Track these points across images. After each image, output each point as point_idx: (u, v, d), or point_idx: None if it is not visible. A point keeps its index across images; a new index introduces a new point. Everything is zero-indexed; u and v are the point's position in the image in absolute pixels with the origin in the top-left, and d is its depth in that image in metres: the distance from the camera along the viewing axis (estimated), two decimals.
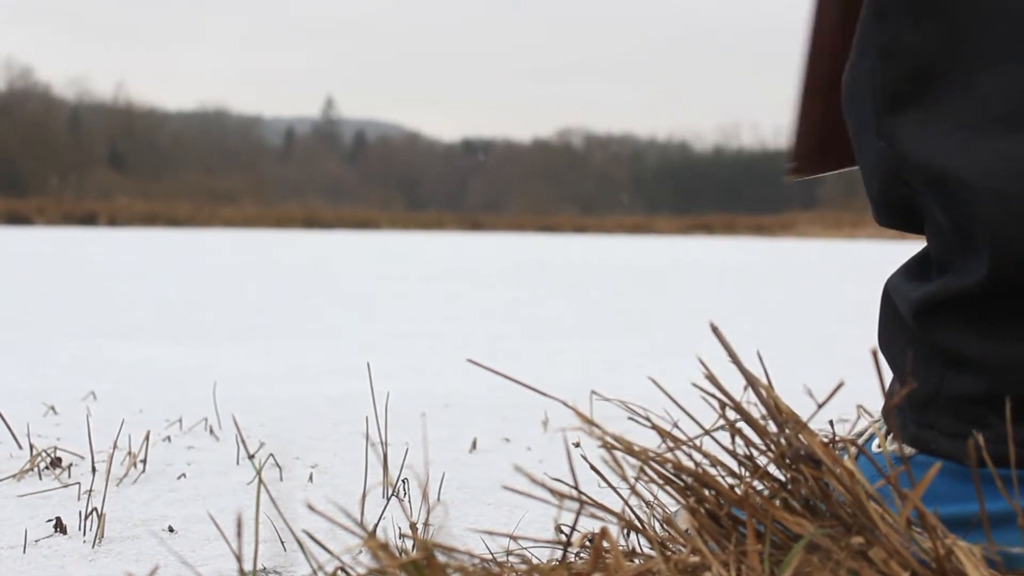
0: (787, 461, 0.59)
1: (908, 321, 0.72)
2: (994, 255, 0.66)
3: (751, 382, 0.59)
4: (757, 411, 0.66)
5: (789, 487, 0.59)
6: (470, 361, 0.63)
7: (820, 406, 0.62)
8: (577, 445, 1.20)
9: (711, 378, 0.60)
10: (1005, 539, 0.64)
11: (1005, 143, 0.65)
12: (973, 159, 0.66)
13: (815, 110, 0.79)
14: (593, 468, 0.71)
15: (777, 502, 0.59)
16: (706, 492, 0.61)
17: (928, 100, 0.68)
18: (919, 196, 0.71)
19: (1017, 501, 0.65)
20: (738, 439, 0.62)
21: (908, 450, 0.72)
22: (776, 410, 0.59)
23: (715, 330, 0.58)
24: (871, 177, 0.75)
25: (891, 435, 0.75)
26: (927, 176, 0.68)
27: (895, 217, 0.75)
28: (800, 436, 0.58)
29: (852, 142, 0.77)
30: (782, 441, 0.59)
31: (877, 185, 0.74)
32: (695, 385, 0.62)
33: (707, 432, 0.66)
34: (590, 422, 0.60)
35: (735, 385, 0.67)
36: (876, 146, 0.72)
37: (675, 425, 0.72)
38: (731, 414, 0.64)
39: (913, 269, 0.73)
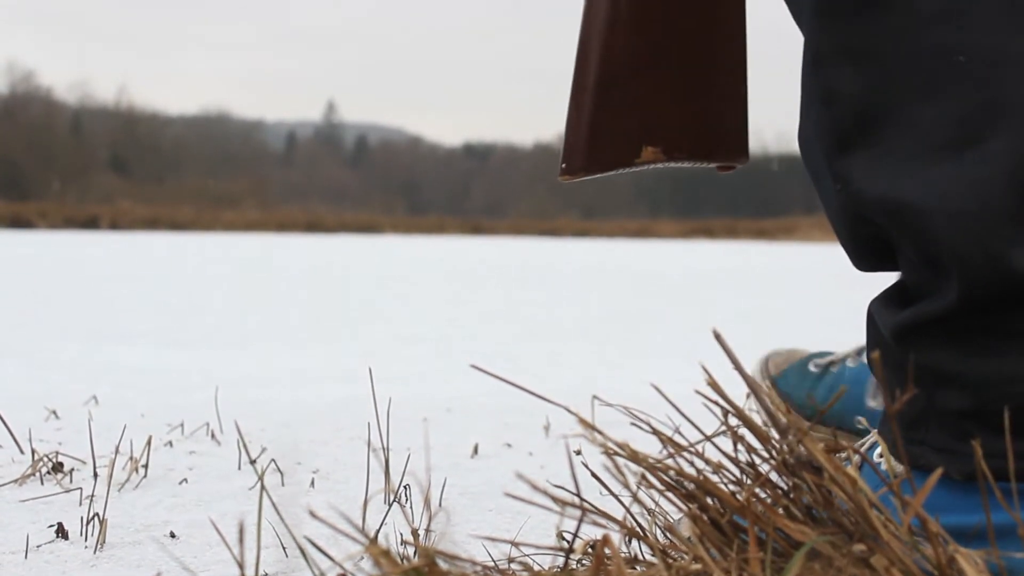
0: (789, 468, 0.59)
1: (891, 343, 0.74)
2: (961, 276, 0.68)
3: (753, 388, 0.59)
4: (760, 418, 0.66)
5: (791, 494, 0.59)
6: (473, 367, 0.63)
7: (822, 412, 0.62)
8: (578, 452, 1.20)
9: (713, 384, 0.60)
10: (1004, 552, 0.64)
11: (952, 165, 0.68)
12: (924, 186, 0.68)
13: (584, 112, 0.76)
14: (594, 476, 0.71)
15: (780, 510, 0.59)
16: (708, 499, 0.61)
17: (874, 139, 0.71)
18: (884, 233, 0.72)
19: (1017, 512, 0.65)
20: (740, 445, 0.62)
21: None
22: (778, 417, 0.59)
23: (717, 336, 0.58)
24: (836, 222, 0.76)
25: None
26: (884, 209, 0.70)
27: (869, 258, 0.76)
28: (802, 443, 0.58)
29: (816, 191, 0.77)
30: (784, 448, 0.59)
31: (844, 230, 0.75)
32: (698, 392, 0.62)
33: (708, 438, 0.66)
34: (592, 428, 0.60)
35: (738, 391, 0.67)
36: (833, 190, 0.73)
37: (677, 431, 0.72)
38: (733, 420, 0.64)
39: (892, 296, 0.75)
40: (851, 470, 0.57)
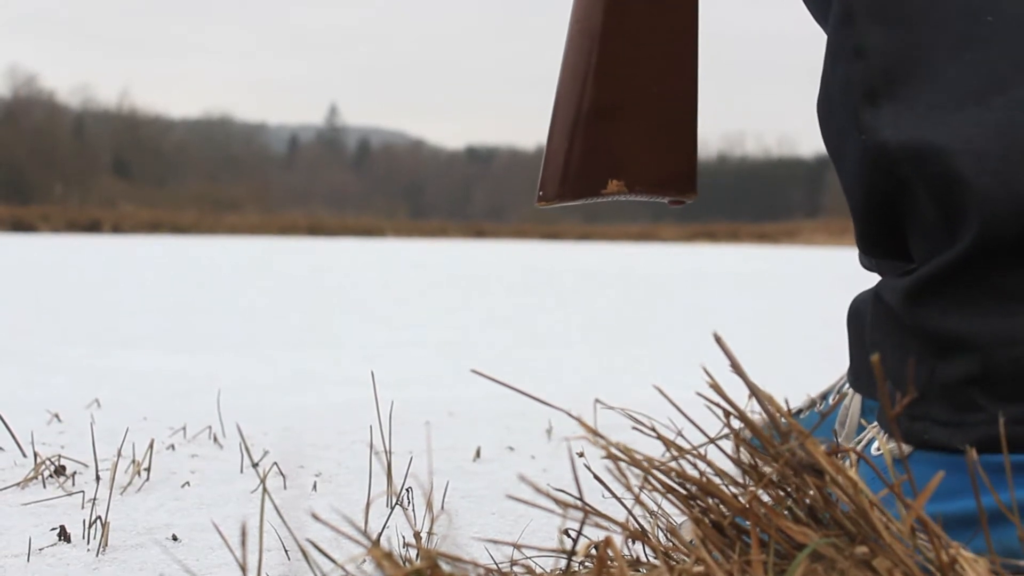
0: (791, 470, 0.59)
1: (898, 311, 0.73)
2: (982, 217, 0.68)
3: (754, 391, 0.59)
4: (762, 421, 0.66)
5: (793, 496, 0.59)
6: (474, 371, 0.63)
7: (824, 416, 0.62)
8: (581, 455, 1.20)
9: (716, 387, 0.60)
10: (1006, 536, 0.64)
11: (978, 110, 0.69)
12: (950, 130, 0.69)
13: (558, 151, 0.88)
14: (596, 478, 0.71)
15: (786, 512, 0.59)
16: (710, 501, 0.61)
17: (901, 92, 0.72)
18: (902, 191, 0.73)
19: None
20: (742, 448, 0.62)
21: (907, 448, 0.72)
22: (779, 420, 0.59)
23: (718, 340, 0.58)
24: (854, 185, 0.77)
25: (889, 437, 0.75)
26: (907, 155, 0.71)
27: (879, 229, 0.77)
28: (804, 446, 0.58)
29: (833, 161, 0.81)
30: (785, 452, 0.59)
31: (860, 189, 0.76)
32: (699, 395, 0.62)
33: (712, 440, 0.66)
34: (594, 432, 0.60)
35: (740, 394, 0.68)
36: (858, 144, 0.74)
37: (679, 434, 0.72)
38: (735, 423, 0.64)
39: (895, 277, 0.76)
40: (852, 472, 0.57)
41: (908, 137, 0.71)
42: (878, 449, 0.76)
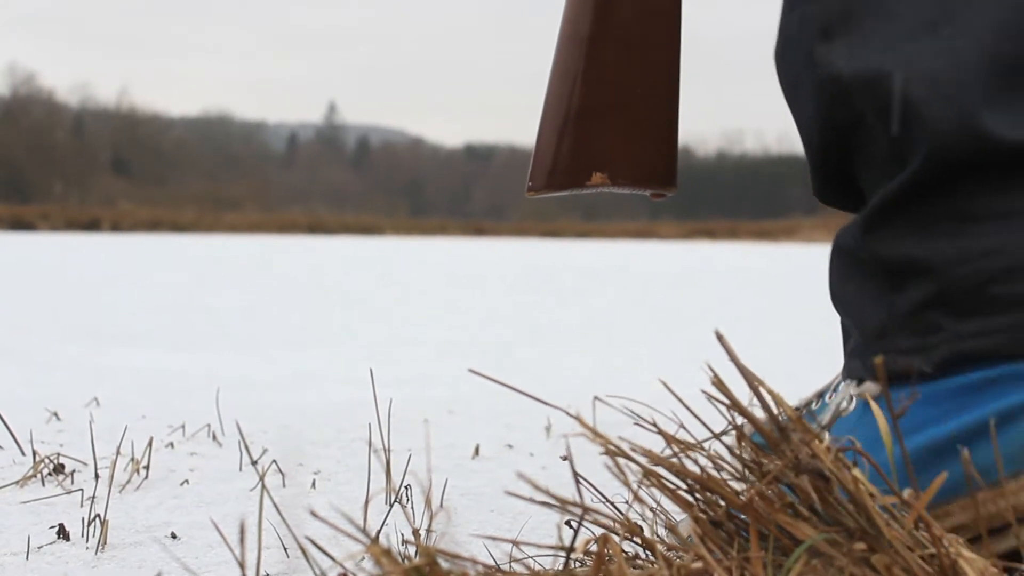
0: (793, 468, 0.59)
1: (854, 248, 0.75)
2: (933, 139, 0.69)
3: (755, 390, 0.59)
4: (765, 417, 0.66)
5: (795, 492, 0.59)
6: (472, 371, 0.63)
7: (825, 427, 0.62)
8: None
9: (718, 383, 0.60)
10: (983, 455, 0.65)
11: (929, 40, 0.70)
12: (902, 58, 0.71)
13: (547, 145, 0.94)
14: (587, 482, 0.71)
15: (788, 509, 0.59)
16: (710, 497, 0.61)
17: (855, 28, 0.74)
18: (855, 124, 0.74)
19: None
20: (744, 444, 0.62)
21: (874, 389, 0.73)
22: (781, 416, 0.59)
23: (720, 337, 0.58)
24: (810, 121, 0.78)
25: (852, 381, 0.76)
26: (861, 84, 0.72)
27: (833, 165, 0.78)
28: (807, 445, 0.58)
29: (787, 101, 0.83)
30: (789, 448, 0.59)
31: (816, 124, 0.77)
32: (703, 392, 0.62)
33: (716, 436, 0.66)
34: (593, 431, 0.60)
35: (741, 392, 0.68)
36: (813, 77, 0.76)
37: (681, 426, 0.72)
38: (738, 419, 0.64)
39: (850, 223, 0.77)
40: (857, 472, 0.57)
41: (862, 67, 0.72)
42: (833, 401, 0.77)
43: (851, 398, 0.77)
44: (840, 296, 0.77)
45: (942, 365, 0.68)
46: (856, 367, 0.76)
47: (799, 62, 0.77)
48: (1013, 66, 0.69)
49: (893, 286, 0.72)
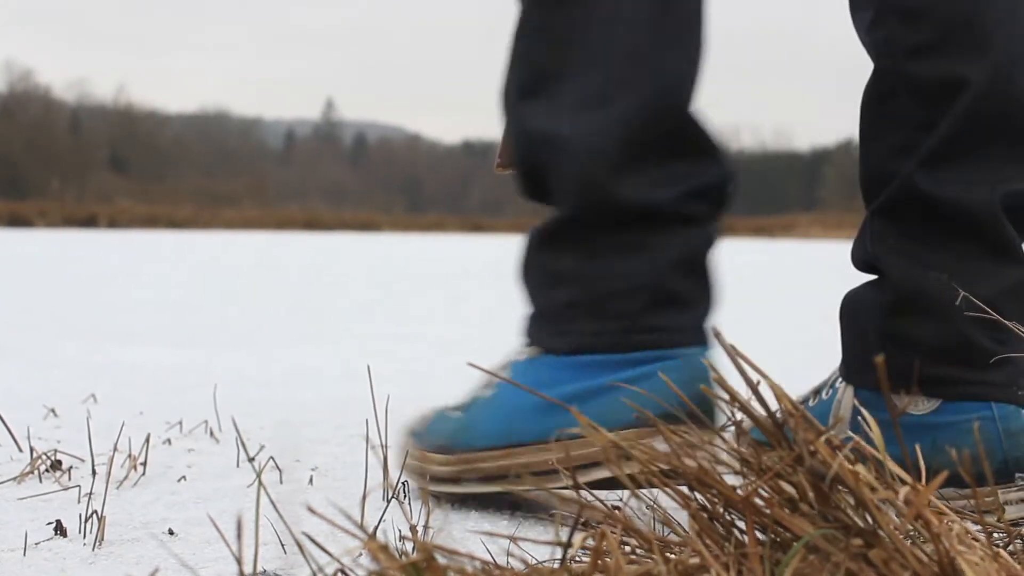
0: (790, 464, 0.59)
1: (534, 250, 1.03)
2: (579, 194, 0.97)
3: (753, 389, 0.59)
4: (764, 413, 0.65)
5: (795, 487, 0.59)
6: (471, 365, 0.63)
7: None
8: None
9: (719, 380, 0.60)
10: (591, 410, 0.88)
11: (593, 114, 0.96)
12: (570, 126, 0.97)
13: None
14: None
15: (786, 504, 0.59)
16: (707, 493, 0.61)
17: (545, 93, 0.99)
18: (541, 167, 1.00)
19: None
20: (743, 440, 0.62)
21: (532, 350, 1.01)
22: (780, 412, 0.59)
23: (718, 336, 0.58)
24: (515, 152, 1.03)
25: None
26: (542, 140, 0.99)
27: (530, 185, 1.03)
28: (808, 439, 0.58)
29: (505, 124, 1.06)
30: (791, 444, 0.59)
31: (518, 158, 1.03)
32: (703, 389, 0.62)
33: (716, 432, 0.66)
34: (591, 425, 0.60)
35: (740, 387, 0.68)
36: (513, 127, 1.02)
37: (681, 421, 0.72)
38: (737, 415, 0.64)
39: (542, 223, 1.03)
40: (860, 467, 0.57)
41: (544, 127, 0.99)
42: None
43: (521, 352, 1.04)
44: (522, 280, 1.05)
45: (573, 348, 0.97)
46: (531, 334, 1.03)
47: (507, 111, 1.03)
48: (643, 143, 0.96)
49: (551, 284, 1.00)
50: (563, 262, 0.99)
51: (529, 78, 1.00)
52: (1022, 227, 1.03)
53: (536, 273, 1.02)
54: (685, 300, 0.97)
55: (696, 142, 0.98)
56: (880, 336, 1.03)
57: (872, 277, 1.07)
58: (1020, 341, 0.99)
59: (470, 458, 0.98)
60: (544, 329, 1.00)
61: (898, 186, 1.02)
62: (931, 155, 1.00)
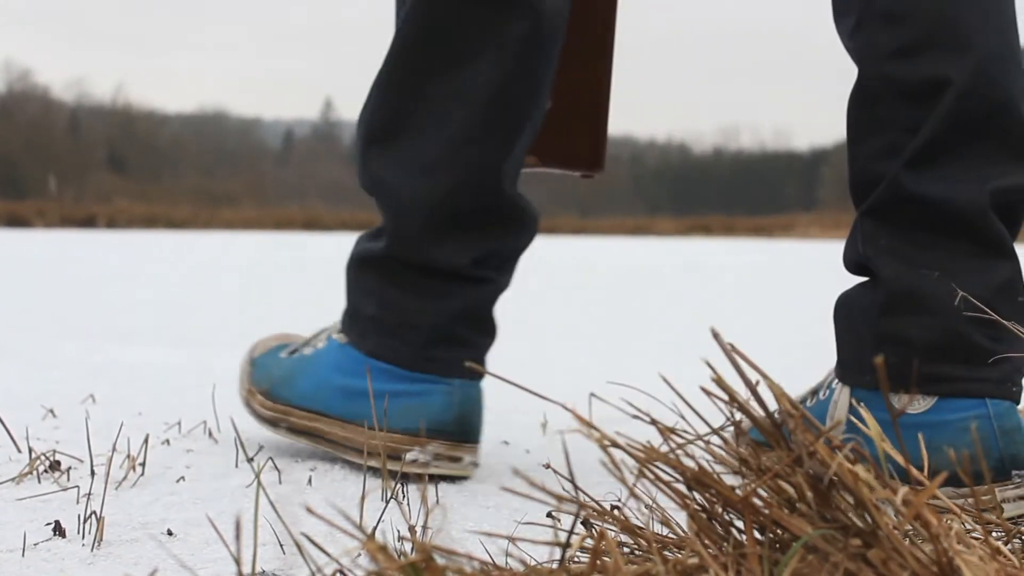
0: (789, 464, 0.59)
1: (352, 255, 1.19)
2: (394, 239, 1.13)
3: (751, 389, 0.59)
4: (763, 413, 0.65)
5: (794, 487, 0.59)
6: (470, 365, 0.63)
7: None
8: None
9: (719, 381, 0.60)
10: (378, 407, 1.11)
11: (418, 180, 1.12)
12: (400, 183, 1.13)
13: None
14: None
15: (785, 504, 0.59)
16: (706, 493, 0.61)
17: (387, 145, 1.14)
18: (376, 197, 1.16)
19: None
20: (742, 440, 0.62)
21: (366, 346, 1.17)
22: (779, 412, 0.59)
23: (716, 335, 0.58)
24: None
25: None
26: (378, 182, 1.15)
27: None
28: (806, 438, 0.58)
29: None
30: (790, 443, 0.59)
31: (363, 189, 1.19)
32: (702, 388, 0.62)
33: (716, 431, 0.66)
34: (589, 424, 0.60)
35: (739, 388, 0.68)
36: (361, 175, 1.17)
37: (681, 418, 0.72)
38: (737, 415, 0.64)
39: (372, 233, 1.18)
40: (861, 468, 0.57)
41: (381, 177, 1.15)
42: None
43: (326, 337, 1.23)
44: (346, 273, 1.19)
45: (370, 352, 1.14)
46: (344, 324, 1.20)
47: (357, 160, 1.17)
48: (454, 214, 1.11)
49: (363, 294, 1.17)
50: (371, 282, 1.15)
51: (377, 127, 1.14)
52: (1012, 224, 1.03)
53: (353, 277, 1.18)
54: (464, 342, 1.13)
55: (503, 216, 1.13)
56: (874, 336, 1.03)
57: (865, 279, 1.08)
58: (1014, 338, 0.99)
59: (286, 410, 1.20)
60: (353, 327, 1.17)
61: (886, 187, 1.03)
62: (917, 156, 1.01)
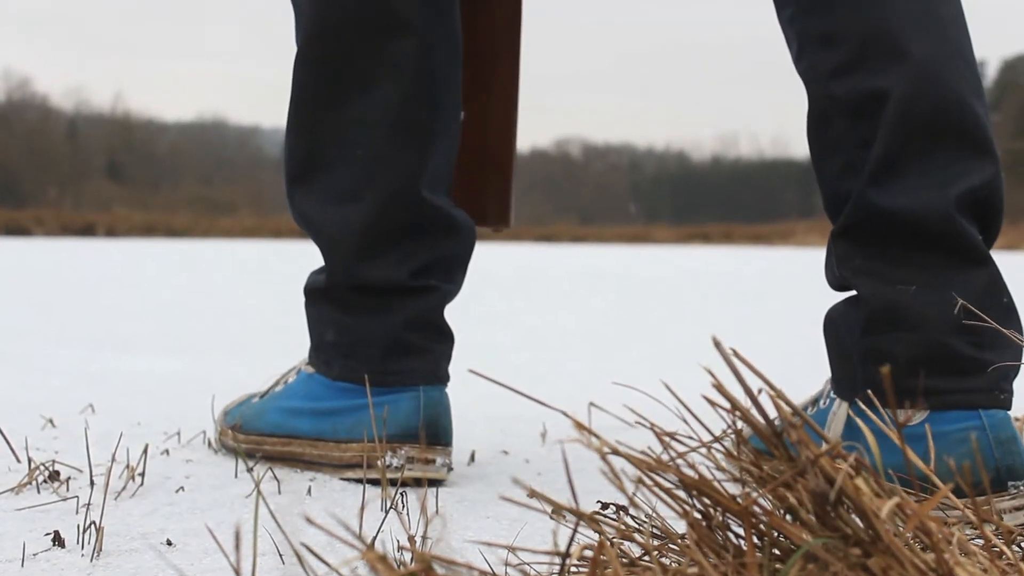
0: (791, 472, 0.59)
1: (306, 292, 1.24)
2: (331, 269, 1.20)
3: (752, 397, 0.59)
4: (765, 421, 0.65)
5: (796, 496, 0.59)
6: (472, 372, 0.63)
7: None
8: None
9: (720, 388, 0.60)
10: (346, 422, 1.18)
11: (340, 208, 1.18)
12: (324, 215, 1.19)
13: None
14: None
15: (780, 511, 0.59)
16: (706, 502, 0.61)
17: (307, 182, 1.20)
18: (309, 234, 1.23)
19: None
20: (744, 448, 0.62)
21: (311, 369, 1.24)
22: (780, 421, 0.59)
23: (717, 344, 0.58)
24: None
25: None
26: (306, 220, 1.22)
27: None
28: (807, 447, 0.58)
29: None
30: (791, 452, 0.59)
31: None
32: (704, 396, 0.62)
33: (717, 439, 0.66)
34: (589, 432, 0.60)
35: (740, 396, 0.68)
36: (288, 202, 1.23)
37: (684, 422, 0.72)
38: (738, 423, 0.64)
39: (319, 267, 1.24)
40: (861, 481, 0.57)
41: (307, 214, 1.21)
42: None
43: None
44: (305, 311, 1.25)
45: (335, 376, 1.20)
46: (311, 357, 1.26)
47: (286, 199, 1.22)
48: (380, 233, 1.16)
49: (322, 325, 1.22)
50: (324, 311, 1.21)
51: (296, 167, 1.20)
52: (988, 220, 1.02)
53: (309, 311, 1.24)
54: (419, 349, 1.18)
55: (431, 228, 1.17)
56: (860, 354, 1.04)
57: (850, 293, 1.08)
58: (999, 344, 0.99)
59: (259, 439, 1.24)
60: (319, 357, 1.22)
61: (853, 206, 1.03)
62: (877, 170, 1.01)
